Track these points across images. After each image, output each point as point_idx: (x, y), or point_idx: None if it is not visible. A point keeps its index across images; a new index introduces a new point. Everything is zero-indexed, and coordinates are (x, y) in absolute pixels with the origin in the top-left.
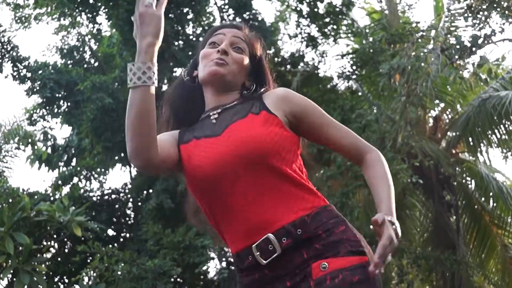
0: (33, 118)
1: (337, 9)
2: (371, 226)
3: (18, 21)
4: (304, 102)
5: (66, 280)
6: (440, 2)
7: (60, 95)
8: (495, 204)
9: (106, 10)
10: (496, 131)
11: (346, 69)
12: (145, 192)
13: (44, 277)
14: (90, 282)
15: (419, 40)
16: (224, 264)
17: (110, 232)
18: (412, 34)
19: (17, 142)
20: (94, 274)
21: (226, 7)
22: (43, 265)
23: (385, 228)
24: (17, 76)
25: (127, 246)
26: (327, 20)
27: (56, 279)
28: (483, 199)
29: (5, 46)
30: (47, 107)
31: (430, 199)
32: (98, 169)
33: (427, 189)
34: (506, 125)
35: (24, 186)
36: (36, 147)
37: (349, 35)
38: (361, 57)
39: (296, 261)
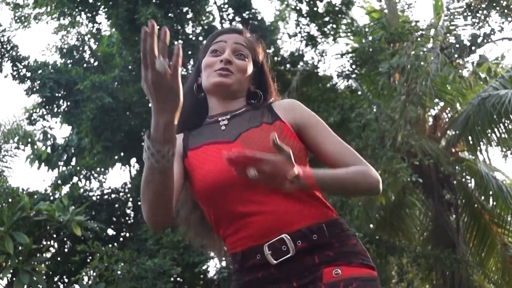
0: (32, 118)
1: (337, 8)
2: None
3: (18, 20)
4: (307, 113)
5: (66, 280)
6: (439, 1)
7: (59, 95)
8: (494, 203)
9: (106, 9)
10: (495, 130)
11: (345, 68)
12: None
13: (44, 277)
14: (90, 282)
15: (419, 39)
16: (224, 263)
17: (110, 231)
18: (411, 33)
19: (17, 142)
20: (94, 274)
21: (226, 6)
22: (42, 265)
23: (282, 155)
24: (16, 76)
25: (127, 245)
26: (327, 19)
27: (56, 279)
28: (482, 198)
29: (4, 46)
30: (47, 107)
31: (430, 198)
32: (98, 169)
33: (427, 188)
34: (506, 124)
35: (23, 186)
36: (35, 146)
37: (349, 34)
38: (361, 56)
39: (306, 264)
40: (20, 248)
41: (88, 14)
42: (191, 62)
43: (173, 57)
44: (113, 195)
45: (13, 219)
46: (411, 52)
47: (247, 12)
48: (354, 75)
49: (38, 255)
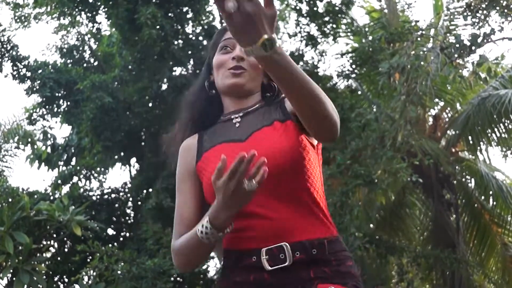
0: (32, 118)
1: (337, 8)
2: None
3: (18, 20)
4: None
5: (66, 280)
6: (439, 1)
7: (59, 95)
8: (495, 203)
9: (106, 9)
10: (495, 129)
11: (345, 68)
12: (144, 191)
13: (44, 277)
14: (89, 282)
15: (419, 39)
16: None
17: (110, 231)
18: (411, 33)
19: (17, 142)
20: (94, 274)
21: None
22: (42, 265)
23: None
24: (16, 76)
25: (127, 245)
26: (327, 19)
27: (55, 279)
28: (482, 197)
29: (4, 46)
30: (47, 107)
31: (430, 198)
32: (98, 168)
33: (427, 188)
34: (506, 124)
35: (23, 186)
36: (35, 146)
37: (349, 34)
38: (361, 56)
39: (300, 276)
40: (20, 248)
41: (88, 14)
42: (191, 62)
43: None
44: (113, 195)
45: (13, 218)
46: (411, 52)
47: None
48: (354, 75)
49: (38, 255)
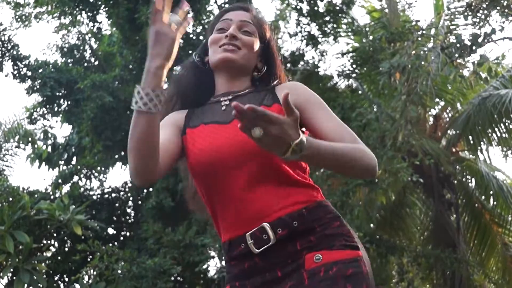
0: (33, 117)
1: (337, 8)
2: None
3: (19, 19)
4: (308, 94)
5: (66, 279)
6: (440, 0)
7: (60, 94)
8: (495, 203)
9: (106, 8)
10: (496, 129)
11: (346, 68)
12: (145, 190)
13: (44, 276)
14: (90, 281)
15: (419, 38)
16: (224, 262)
17: (110, 230)
18: (412, 32)
19: (17, 141)
20: (94, 273)
21: (226, 5)
22: (43, 264)
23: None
24: (17, 75)
25: (127, 244)
26: (327, 18)
27: (56, 278)
28: (483, 197)
29: (5, 45)
30: (47, 106)
31: (430, 198)
32: (98, 168)
33: (427, 187)
34: (506, 124)
35: (24, 185)
36: (36, 145)
37: (349, 33)
38: (361, 56)
39: (288, 251)
40: (20, 247)
41: (88, 13)
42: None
43: (183, 19)
44: (113, 194)
45: (14, 218)
46: (412, 51)
47: None
48: (354, 75)
49: (38, 254)
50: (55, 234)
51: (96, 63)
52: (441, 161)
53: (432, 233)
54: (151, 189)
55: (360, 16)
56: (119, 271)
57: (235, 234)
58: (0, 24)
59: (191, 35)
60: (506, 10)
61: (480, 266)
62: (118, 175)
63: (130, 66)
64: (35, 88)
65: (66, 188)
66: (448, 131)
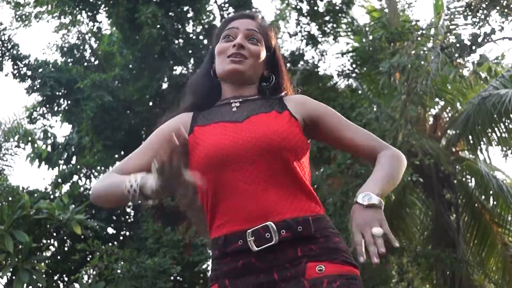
0: (33, 116)
1: (337, 8)
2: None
3: (19, 19)
4: (322, 105)
5: (66, 279)
6: (439, 0)
7: (60, 93)
8: (495, 203)
9: (106, 8)
10: (496, 129)
11: (346, 68)
12: None
13: (44, 275)
14: (89, 281)
15: (419, 38)
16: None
17: (110, 230)
18: (412, 32)
19: (17, 140)
20: (94, 273)
21: (226, 5)
22: (42, 263)
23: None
24: (17, 74)
25: (127, 244)
26: (327, 18)
27: (55, 277)
28: (483, 197)
29: (5, 44)
30: (47, 105)
31: (430, 198)
32: (98, 167)
33: (427, 187)
34: (506, 123)
35: (24, 184)
36: (36, 145)
37: (349, 33)
38: (361, 56)
39: (288, 255)
40: (20, 246)
41: (88, 13)
42: (192, 61)
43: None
44: None
45: (13, 217)
46: (412, 51)
47: (247, 11)
48: (354, 75)
49: (38, 253)
50: (54, 234)
51: (96, 62)
52: (441, 161)
53: (432, 233)
54: None
55: (360, 16)
56: (119, 271)
57: (234, 230)
58: (0, 23)
59: (191, 35)
60: (506, 10)
61: (480, 266)
62: None
63: (130, 66)
64: (35, 88)
65: (65, 187)
66: (448, 131)
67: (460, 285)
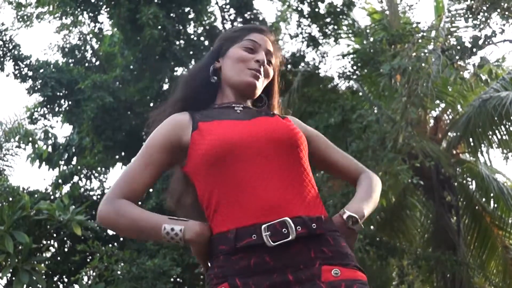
0: (34, 117)
1: (338, 9)
2: None
3: (20, 19)
4: (312, 128)
5: (66, 280)
6: (440, 2)
7: (61, 94)
8: (495, 205)
9: (108, 9)
10: (496, 131)
11: (346, 69)
12: None
13: (44, 276)
14: (89, 282)
15: (420, 40)
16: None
17: (110, 231)
18: (412, 34)
19: (18, 141)
20: (94, 274)
21: (228, 6)
22: (42, 264)
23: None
24: (18, 75)
25: (127, 245)
26: (328, 20)
27: (55, 278)
28: (483, 200)
29: (6, 45)
30: (48, 106)
31: (431, 200)
32: (99, 168)
33: (428, 189)
34: (507, 126)
35: (24, 185)
36: (36, 145)
37: (350, 35)
38: (362, 57)
39: (302, 256)
40: (20, 247)
41: (90, 14)
42: (193, 62)
43: None
44: None
45: (14, 218)
46: (412, 53)
47: (248, 13)
48: (355, 76)
49: (38, 254)
50: (54, 235)
51: (97, 63)
52: (442, 163)
53: (432, 235)
54: (151, 190)
55: (360, 18)
56: (119, 272)
57: (247, 223)
58: (2, 24)
59: (192, 36)
60: (507, 13)
61: (481, 269)
62: (118, 176)
63: (131, 67)
64: (36, 88)
65: (66, 188)
66: (449, 133)
67: (461, 287)
